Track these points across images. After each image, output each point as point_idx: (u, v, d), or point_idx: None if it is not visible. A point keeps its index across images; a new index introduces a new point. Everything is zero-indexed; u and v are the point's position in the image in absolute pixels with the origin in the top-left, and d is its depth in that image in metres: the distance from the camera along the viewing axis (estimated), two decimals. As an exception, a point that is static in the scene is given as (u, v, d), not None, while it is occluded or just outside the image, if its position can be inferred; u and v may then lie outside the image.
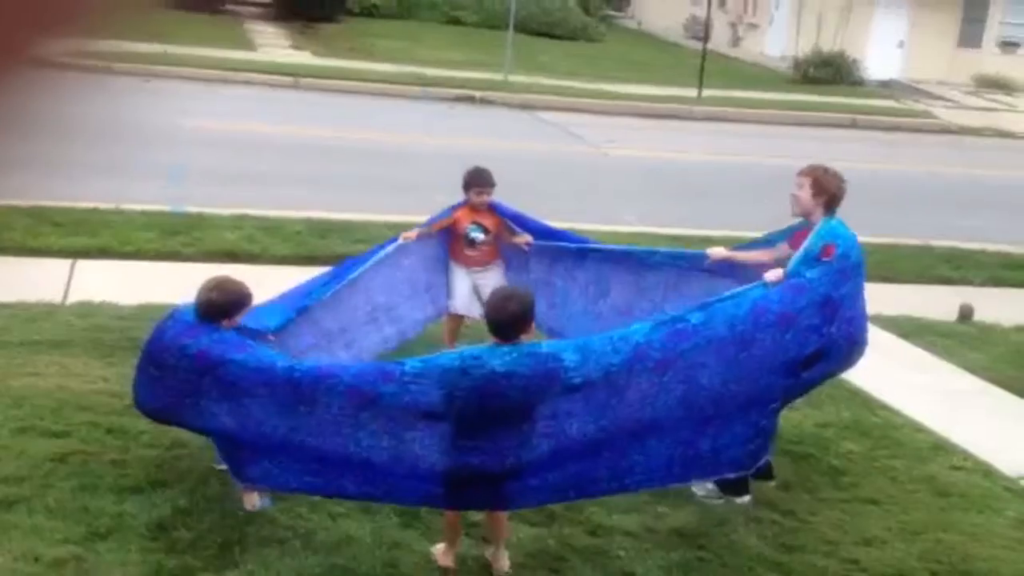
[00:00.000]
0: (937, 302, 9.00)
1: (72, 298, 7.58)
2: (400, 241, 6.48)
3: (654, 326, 4.55)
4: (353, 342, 6.23)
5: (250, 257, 8.85)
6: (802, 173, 5.40)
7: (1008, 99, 25.50)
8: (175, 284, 7.93)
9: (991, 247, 11.31)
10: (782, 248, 5.51)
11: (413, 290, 6.64)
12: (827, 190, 5.27)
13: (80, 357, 6.48)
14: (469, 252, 6.59)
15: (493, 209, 6.59)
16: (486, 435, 4.21)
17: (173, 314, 4.90)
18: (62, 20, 0.73)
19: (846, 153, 17.28)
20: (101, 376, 6.23)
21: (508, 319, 4.27)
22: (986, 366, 7.93)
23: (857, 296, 5.20)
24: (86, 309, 7.33)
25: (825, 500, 5.52)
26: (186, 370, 4.61)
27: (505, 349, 4.19)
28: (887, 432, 6.53)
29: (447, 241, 6.68)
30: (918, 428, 6.66)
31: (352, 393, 4.25)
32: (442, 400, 4.14)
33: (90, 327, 6.98)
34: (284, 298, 5.87)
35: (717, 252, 5.93)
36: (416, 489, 4.39)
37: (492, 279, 6.57)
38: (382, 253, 6.41)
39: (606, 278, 6.45)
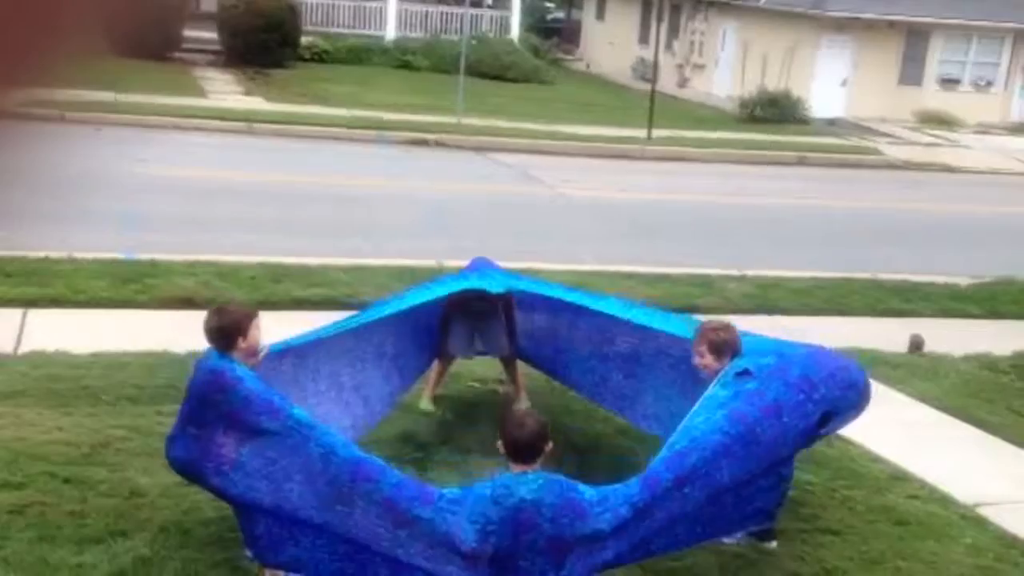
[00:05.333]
0: (888, 334, 9.14)
1: (24, 348, 7.48)
2: None
3: (651, 460, 4.59)
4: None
5: (205, 303, 8.70)
6: (696, 344, 5.31)
7: (950, 134, 26.05)
8: (129, 332, 7.89)
9: (939, 279, 11.52)
10: None
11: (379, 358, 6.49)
12: (726, 347, 5.22)
13: (34, 407, 6.40)
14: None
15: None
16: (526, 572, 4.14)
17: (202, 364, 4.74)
18: (12, 70, 0.73)
19: (794, 190, 17.61)
20: (56, 426, 6.16)
21: (530, 437, 4.21)
22: (938, 396, 8.06)
23: (818, 356, 5.33)
24: (39, 359, 7.23)
25: (785, 531, 5.57)
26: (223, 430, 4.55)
27: (531, 476, 4.16)
28: (844, 463, 6.61)
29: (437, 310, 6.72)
30: (874, 458, 6.75)
31: (388, 507, 4.21)
32: (475, 536, 4.06)
33: (43, 377, 6.89)
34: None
35: None
36: None
37: (492, 322, 6.81)
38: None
39: (609, 328, 6.52)
